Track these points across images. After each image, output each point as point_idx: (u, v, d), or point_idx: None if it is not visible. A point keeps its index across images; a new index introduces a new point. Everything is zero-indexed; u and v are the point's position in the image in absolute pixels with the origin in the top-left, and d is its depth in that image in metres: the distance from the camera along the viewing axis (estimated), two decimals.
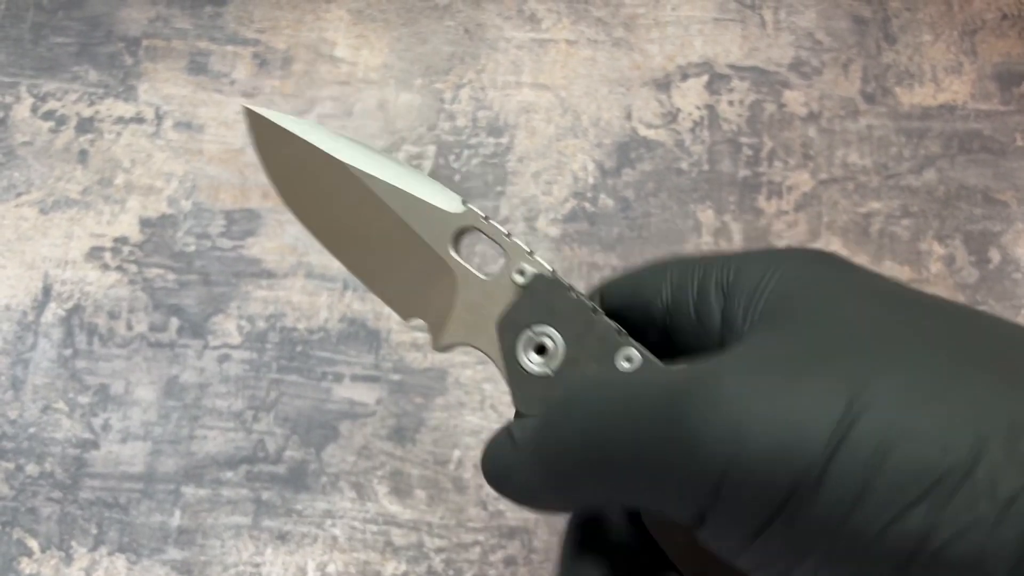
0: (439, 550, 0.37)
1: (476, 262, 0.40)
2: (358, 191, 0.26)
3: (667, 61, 0.43)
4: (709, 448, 0.16)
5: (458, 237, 0.25)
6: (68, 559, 0.37)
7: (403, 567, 0.37)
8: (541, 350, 0.23)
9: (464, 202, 0.25)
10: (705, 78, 0.43)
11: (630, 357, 0.22)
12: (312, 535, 0.37)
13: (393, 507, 0.37)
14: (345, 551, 0.37)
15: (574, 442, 0.20)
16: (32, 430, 0.38)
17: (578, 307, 0.23)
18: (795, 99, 0.43)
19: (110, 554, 0.37)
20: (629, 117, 0.43)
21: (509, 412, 0.38)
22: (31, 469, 0.38)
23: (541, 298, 0.23)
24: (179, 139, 0.42)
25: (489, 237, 0.24)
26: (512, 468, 0.22)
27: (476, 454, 0.38)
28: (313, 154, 0.26)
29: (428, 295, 0.25)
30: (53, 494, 0.37)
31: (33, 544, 0.37)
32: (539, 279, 0.23)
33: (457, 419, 0.39)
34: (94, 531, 0.37)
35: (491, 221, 0.25)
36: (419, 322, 0.26)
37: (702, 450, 0.16)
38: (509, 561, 0.37)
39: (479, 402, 0.39)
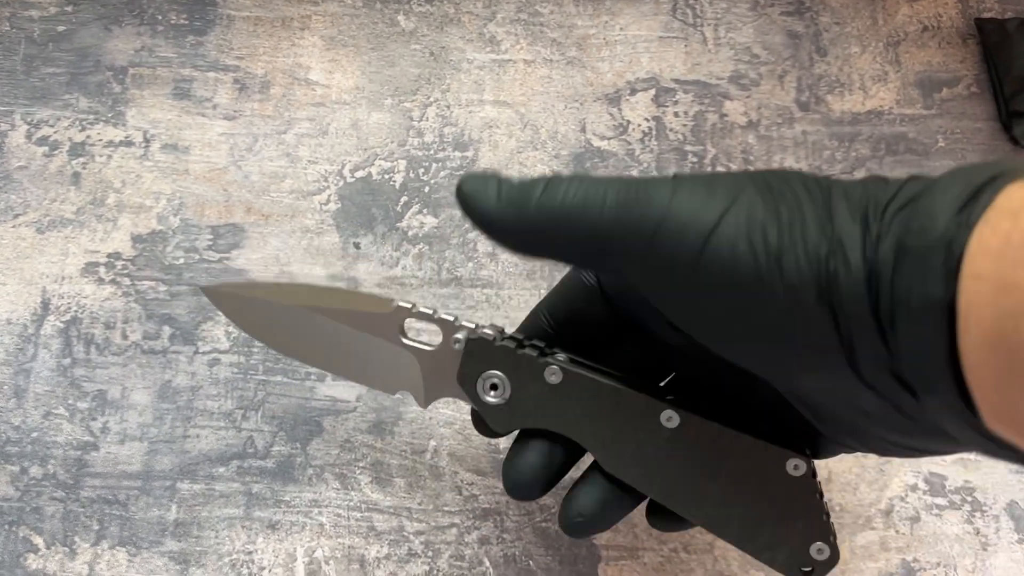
0: (418, 533, 0.40)
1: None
2: (315, 322, 0.34)
3: (617, 77, 0.47)
4: (654, 214, 0.25)
5: (401, 327, 0.33)
6: (72, 554, 0.39)
7: (385, 550, 0.40)
8: (495, 387, 0.32)
9: (392, 301, 0.33)
10: (652, 92, 0.47)
11: (554, 372, 0.31)
12: (300, 523, 0.40)
13: (375, 495, 0.40)
14: (331, 537, 0.40)
15: (554, 211, 0.26)
16: (35, 435, 0.41)
17: (504, 352, 0.31)
18: (735, 109, 0.47)
19: (111, 548, 0.39)
20: (584, 130, 0.46)
21: None
22: (35, 471, 0.40)
23: (478, 354, 0.32)
24: (166, 160, 0.45)
25: (423, 319, 0.32)
26: (491, 215, 0.27)
27: (451, 444, 0.41)
28: (274, 307, 0.34)
29: (400, 373, 0.33)
30: (56, 494, 0.40)
31: (39, 541, 0.39)
32: (471, 342, 0.32)
33: (432, 412, 0.42)
34: (96, 527, 0.40)
35: (418, 307, 0.33)
36: (404, 392, 0.34)
37: (648, 218, 0.25)
38: (483, 541, 0.40)
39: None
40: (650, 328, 0.31)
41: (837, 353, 0.23)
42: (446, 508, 0.40)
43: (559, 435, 0.32)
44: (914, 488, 0.41)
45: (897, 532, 0.40)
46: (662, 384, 0.34)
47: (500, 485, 0.40)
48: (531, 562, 0.39)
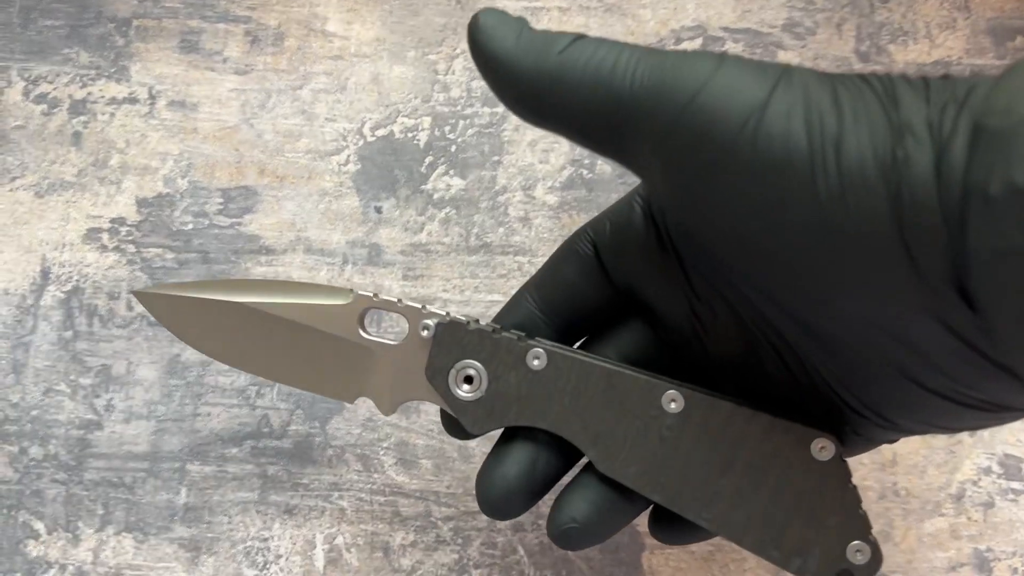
0: (447, 519, 0.37)
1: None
2: (262, 321, 0.30)
3: (660, 26, 0.43)
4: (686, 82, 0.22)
5: (361, 320, 0.29)
6: (75, 540, 0.37)
7: (411, 536, 0.37)
8: (469, 380, 0.28)
9: (351, 291, 0.29)
10: (699, 41, 0.43)
11: (538, 355, 0.27)
12: (319, 508, 0.37)
13: (400, 478, 0.37)
14: (353, 523, 0.37)
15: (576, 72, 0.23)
16: (35, 413, 0.38)
17: (480, 335, 0.28)
18: (790, 59, 0.43)
19: (117, 534, 0.37)
20: None
21: None
22: (35, 452, 0.38)
23: (449, 341, 0.28)
24: (173, 118, 0.42)
25: (385, 310, 0.29)
26: (505, 55, 0.24)
27: None
28: (214, 307, 0.30)
29: (359, 375, 0.30)
30: (58, 476, 0.37)
31: (39, 526, 0.37)
32: (441, 327, 0.28)
33: None
34: (100, 512, 0.37)
35: (380, 296, 0.29)
36: (364, 399, 0.30)
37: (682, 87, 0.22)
38: (517, 527, 0.37)
39: None
40: (652, 304, 0.28)
41: (895, 255, 0.20)
42: None
43: (543, 437, 0.28)
44: (988, 471, 0.37)
45: (969, 519, 0.37)
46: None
47: None
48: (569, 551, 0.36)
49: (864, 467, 0.37)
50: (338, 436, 0.38)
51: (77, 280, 0.40)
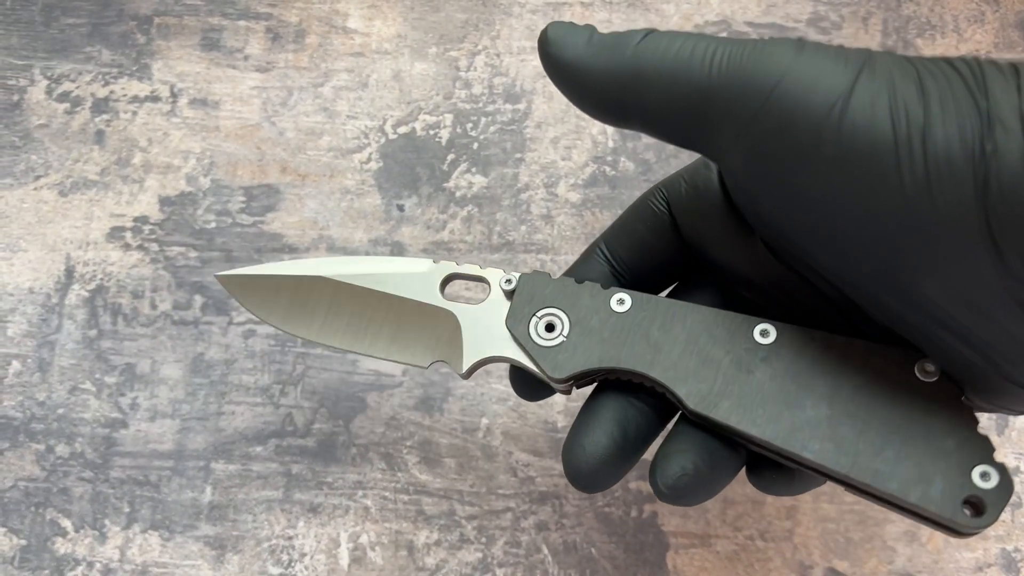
0: (470, 517, 0.37)
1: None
2: (343, 292, 0.30)
3: (684, 20, 0.43)
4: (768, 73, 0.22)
5: (443, 286, 0.30)
6: (102, 538, 0.37)
7: (435, 535, 0.37)
8: (550, 328, 0.28)
9: (434, 261, 0.30)
10: (723, 36, 0.43)
11: (622, 299, 0.27)
12: (344, 507, 0.37)
13: (423, 476, 0.37)
14: (377, 521, 0.37)
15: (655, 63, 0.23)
16: (61, 411, 0.38)
17: (563, 283, 0.28)
18: None
19: (143, 532, 0.37)
20: None
21: None
22: (61, 450, 0.38)
23: (531, 290, 0.28)
24: (195, 116, 0.42)
25: (466, 277, 0.30)
26: (579, 59, 0.24)
27: (504, 421, 0.38)
28: (287, 281, 0.31)
29: (437, 337, 0.30)
30: (84, 474, 0.37)
31: (67, 524, 0.37)
32: (523, 278, 0.28)
33: (484, 387, 0.38)
34: (126, 509, 0.37)
35: (463, 264, 0.30)
36: (439, 363, 0.30)
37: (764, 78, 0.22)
38: (541, 526, 0.37)
39: (505, 369, 0.38)
40: (725, 265, 0.28)
41: (980, 244, 0.20)
42: (500, 491, 0.37)
43: (632, 397, 0.27)
44: (1016, 471, 0.37)
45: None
46: None
47: (558, 466, 0.37)
48: (593, 550, 0.36)
49: None
50: (362, 435, 0.38)
51: (101, 279, 0.40)
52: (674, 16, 0.43)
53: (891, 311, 0.24)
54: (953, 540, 0.36)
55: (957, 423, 0.24)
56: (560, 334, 0.27)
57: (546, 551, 0.37)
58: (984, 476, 0.23)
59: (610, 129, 0.41)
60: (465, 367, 0.29)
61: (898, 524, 0.37)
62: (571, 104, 0.41)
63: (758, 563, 0.36)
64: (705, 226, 0.27)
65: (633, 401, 0.27)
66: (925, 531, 0.36)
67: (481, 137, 0.42)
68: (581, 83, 0.24)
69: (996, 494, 0.23)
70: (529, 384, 0.29)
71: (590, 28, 0.24)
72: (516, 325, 0.28)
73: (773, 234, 0.25)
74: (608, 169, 0.41)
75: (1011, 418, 0.38)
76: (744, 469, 0.28)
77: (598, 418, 0.27)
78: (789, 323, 0.26)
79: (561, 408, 0.38)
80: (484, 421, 0.38)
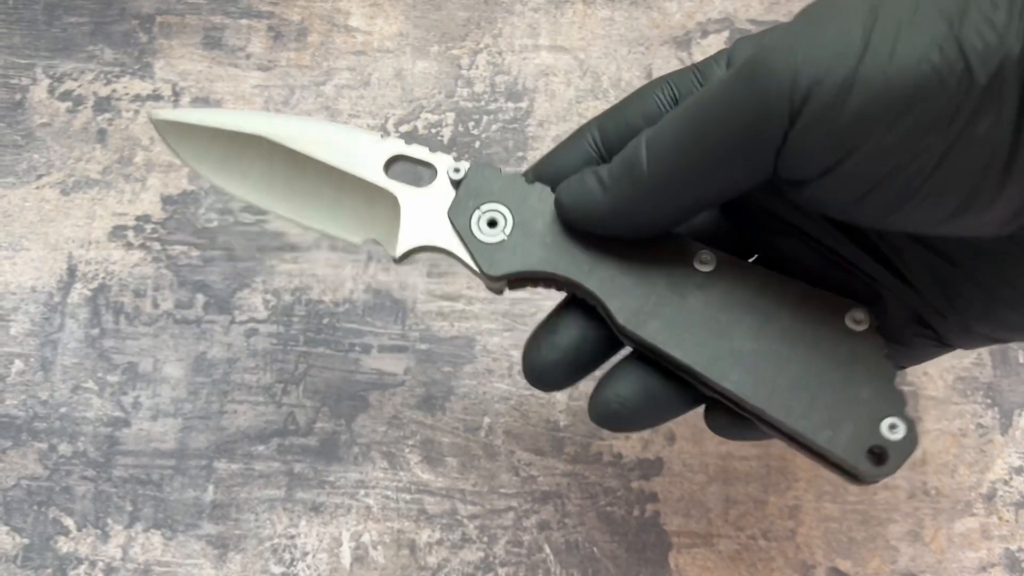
0: (472, 517, 0.37)
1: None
2: (283, 155, 0.29)
3: (686, 18, 0.43)
4: (779, 74, 0.21)
5: (388, 165, 0.28)
6: (104, 536, 0.37)
7: (437, 534, 0.37)
8: (492, 223, 0.27)
9: (382, 135, 0.29)
10: (726, 34, 0.42)
11: None
12: (346, 506, 0.37)
13: (425, 475, 0.37)
14: (379, 520, 0.37)
15: (682, 142, 0.23)
16: (63, 410, 0.38)
17: (512, 181, 0.27)
18: None
19: (146, 530, 0.37)
20: (649, 76, 0.42)
21: None
22: (64, 449, 0.38)
23: (479, 183, 0.27)
24: None
25: (414, 160, 0.28)
26: (606, 208, 0.25)
27: (506, 421, 0.38)
28: (237, 138, 0.29)
29: (373, 218, 0.29)
30: (87, 473, 0.38)
31: (69, 523, 0.37)
32: (473, 169, 0.27)
33: (486, 386, 0.38)
34: (129, 508, 0.37)
35: (412, 145, 0.28)
36: (370, 240, 0.29)
37: (774, 79, 0.21)
38: (543, 526, 0.37)
39: (507, 368, 0.38)
40: (728, 181, 0.26)
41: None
42: (502, 490, 0.37)
43: (594, 315, 0.27)
44: (1019, 470, 0.37)
45: (1000, 519, 0.36)
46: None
47: (561, 465, 0.37)
48: (595, 549, 0.36)
49: None
50: (364, 434, 0.38)
51: (103, 278, 0.40)
52: (676, 14, 0.43)
53: (924, 245, 0.23)
54: (956, 539, 0.36)
55: (876, 375, 0.24)
56: (501, 231, 0.27)
57: (548, 550, 0.36)
58: (892, 428, 0.24)
59: None
60: (399, 251, 0.28)
61: (901, 524, 0.36)
62: (573, 101, 0.41)
63: (760, 563, 0.36)
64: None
65: (595, 323, 0.27)
66: (928, 531, 0.36)
67: (483, 135, 0.41)
68: (625, 222, 0.24)
69: (900, 446, 0.24)
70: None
71: (592, 171, 0.25)
72: (458, 216, 0.27)
73: (812, 204, 0.24)
74: None
75: (1015, 418, 0.37)
76: (704, 408, 0.28)
77: (561, 325, 0.27)
78: (731, 253, 0.26)
79: (563, 407, 0.38)
80: (486, 420, 0.38)
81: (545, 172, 0.28)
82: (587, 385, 0.37)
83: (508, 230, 0.27)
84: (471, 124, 0.42)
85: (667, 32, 0.42)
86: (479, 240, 0.27)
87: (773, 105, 0.21)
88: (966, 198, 0.21)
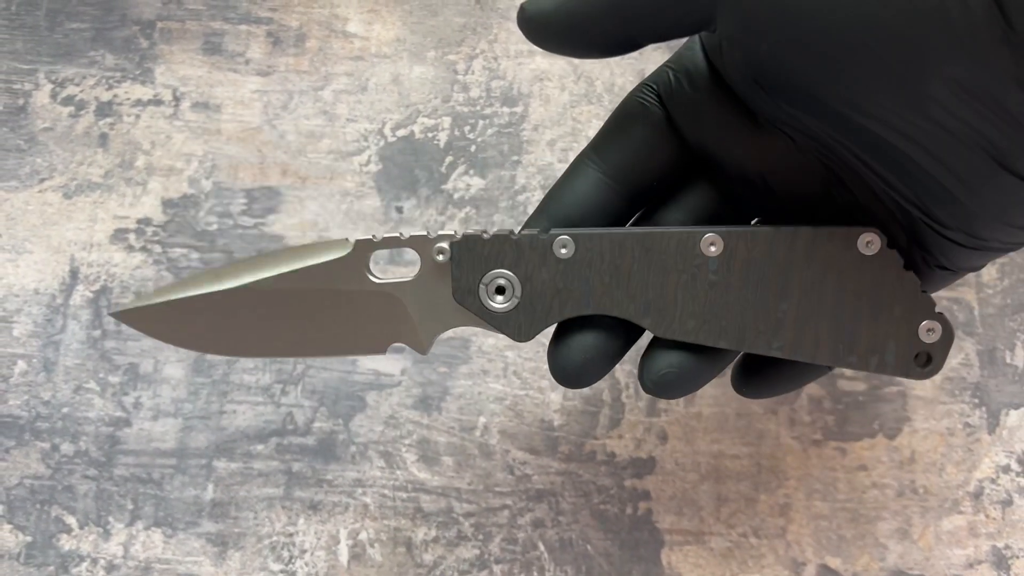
0: (468, 515, 0.37)
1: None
2: (261, 300, 0.28)
3: None
4: None
5: (367, 266, 0.28)
6: (106, 534, 0.37)
7: (433, 532, 0.37)
8: (501, 291, 0.27)
9: (347, 240, 0.28)
10: None
11: (564, 243, 0.26)
12: (343, 504, 0.38)
13: (422, 474, 0.38)
14: (376, 519, 0.37)
15: None
16: (65, 410, 0.39)
17: (499, 241, 0.27)
18: None
19: (146, 528, 0.37)
20: None
21: (532, 379, 0.39)
22: (66, 448, 0.38)
23: (469, 258, 0.27)
24: (197, 120, 0.43)
25: (391, 248, 0.28)
26: (564, 10, 0.25)
27: (501, 420, 0.39)
28: (204, 302, 0.28)
29: (384, 323, 0.28)
30: (89, 472, 0.38)
31: (71, 521, 0.38)
32: (456, 247, 0.27)
33: (481, 386, 0.39)
34: (130, 507, 0.38)
35: (381, 236, 0.27)
36: (397, 345, 0.29)
37: None
38: (537, 524, 0.37)
39: (502, 369, 0.39)
40: (723, 156, 0.27)
41: (989, 22, 0.20)
42: (497, 489, 0.38)
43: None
44: (1006, 469, 0.37)
45: (987, 516, 0.37)
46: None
47: (555, 464, 0.38)
48: (589, 547, 0.37)
49: (883, 465, 0.38)
50: (361, 433, 0.38)
51: (105, 280, 0.41)
52: None
53: (904, 136, 0.23)
54: (944, 537, 0.37)
55: (902, 289, 0.26)
56: (513, 295, 0.27)
57: (542, 548, 0.37)
58: (930, 331, 0.26)
59: None
60: (426, 348, 0.28)
61: (890, 522, 0.37)
62: (567, 106, 0.42)
63: (751, 560, 0.37)
64: (701, 110, 0.27)
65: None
66: (916, 528, 0.37)
67: (479, 140, 0.42)
68: (579, 32, 0.24)
69: (941, 344, 0.26)
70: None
71: None
72: (466, 298, 0.27)
73: (771, 81, 0.24)
74: None
75: (1001, 417, 0.38)
76: (731, 378, 0.30)
77: (588, 326, 0.28)
78: (776, 220, 0.27)
79: (558, 407, 0.39)
80: (482, 420, 0.39)
81: (554, 208, 0.28)
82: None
83: (518, 292, 0.27)
84: (467, 128, 0.42)
85: None
86: (495, 312, 0.27)
87: None
88: (909, 65, 0.21)
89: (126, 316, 0.29)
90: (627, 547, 0.37)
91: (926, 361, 0.26)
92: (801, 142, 0.26)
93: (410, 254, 0.28)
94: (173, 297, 0.28)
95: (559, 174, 0.41)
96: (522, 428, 0.38)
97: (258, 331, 0.28)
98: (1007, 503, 0.37)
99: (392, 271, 0.39)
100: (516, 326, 0.27)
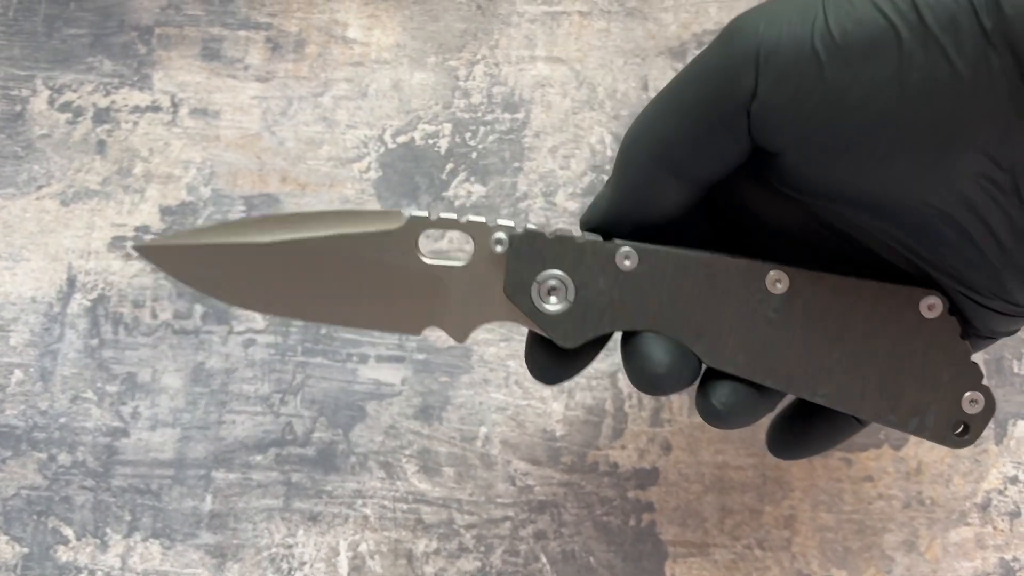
0: (469, 526, 0.37)
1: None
2: (302, 259, 0.26)
3: (682, 29, 0.43)
4: (745, 36, 0.22)
5: (417, 243, 0.26)
6: (104, 546, 0.37)
7: (434, 544, 0.37)
8: (553, 291, 0.26)
9: (401, 213, 0.26)
10: None
11: (627, 255, 0.26)
12: (343, 515, 0.37)
13: (422, 485, 0.38)
14: (376, 530, 0.37)
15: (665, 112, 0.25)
16: (63, 420, 0.39)
17: (561, 242, 0.26)
18: None
19: (144, 540, 0.37)
20: (645, 87, 0.42)
21: (534, 388, 0.38)
22: (63, 458, 0.38)
23: (527, 253, 0.26)
24: (195, 126, 0.42)
25: (445, 229, 0.26)
26: (606, 199, 0.26)
27: (503, 430, 0.38)
28: (235, 251, 0.26)
29: (424, 306, 0.27)
30: (86, 482, 0.38)
31: (69, 532, 0.37)
32: (516, 239, 0.26)
33: (483, 396, 0.38)
34: (128, 518, 0.37)
35: (439, 215, 0.26)
36: (433, 329, 0.27)
37: (740, 41, 0.22)
38: (539, 535, 0.37)
39: (504, 379, 0.39)
40: (740, 201, 0.27)
41: (1005, 96, 0.21)
42: (499, 500, 0.37)
43: None
44: (1014, 480, 0.37)
45: (995, 528, 0.36)
46: None
47: (557, 475, 0.37)
48: (591, 559, 0.37)
49: (889, 476, 0.37)
50: (361, 443, 0.38)
51: (103, 288, 0.40)
52: (672, 25, 0.43)
53: (919, 221, 0.24)
54: (951, 549, 0.36)
55: (953, 355, 0.25)
56: (565, 299, 0.26)
57: (544, 560, 0.37)
58: (973, 402, 0.26)
59: (608, 138, 0.41)
60: (464, 337, 0.27)
61: (896, 533, 0.37)
62: (569, 112, 0.42)
63: (756, 572, 0.36)
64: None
65: None
66: (923, 540, 0.36)
67: (480, 146, 0.42)
68: (643, 208, 0.26)
69: (982, 416, 0.26)
70: (543, 356, 0.28)
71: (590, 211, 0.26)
72: (516, 294, 0.26)
73: (808, 187, 0.25)
74: (606, 178, 0.41)
75: (1009, 427, 0.38)
76: (767, 440, 0.30)
77: (651, 339, 0.27)
78: (798, 266, 0.27)
79: (560, 417, 0.38)
80: (483, 430, 0.38)
81: (594, 216, 0.28)
82: (583, 395, 0.38)
83: (571, 296, 0.26)
84: (468, 135, 0.42)
85: (663, 43, 0.43)
86: (544, 313, 0.26)
87: (740, 64, 0.22)
88: (935, 148, 0.22)
89: (150, 251, 0.27)
90: (630, 559, 0.37)
91: (963, 431, 0.26)
92: (823, 216, 0.26)
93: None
94: (206, 241, 0.26)
95: (560, 182, 0.41)
96: (524, 438, 0.38)
97: (289, 290, 0.27)
98: (1015, 515, 0.37)
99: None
100: (564, 330, 0.26)
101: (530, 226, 0.26)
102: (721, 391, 0.27)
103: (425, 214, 0.26)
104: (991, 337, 0.27)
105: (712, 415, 0.27)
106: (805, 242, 0.27)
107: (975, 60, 0.21)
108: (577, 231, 0.27)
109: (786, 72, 0.22)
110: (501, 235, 0.26)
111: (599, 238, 0.26)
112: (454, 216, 0.26)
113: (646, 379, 0.26)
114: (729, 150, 0.24)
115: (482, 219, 0.26)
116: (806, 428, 0.29)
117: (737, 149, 0.24)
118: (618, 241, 0.26)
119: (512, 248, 0.26)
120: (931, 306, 0.25)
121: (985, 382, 0.26)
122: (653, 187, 0.25)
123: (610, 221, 0.27)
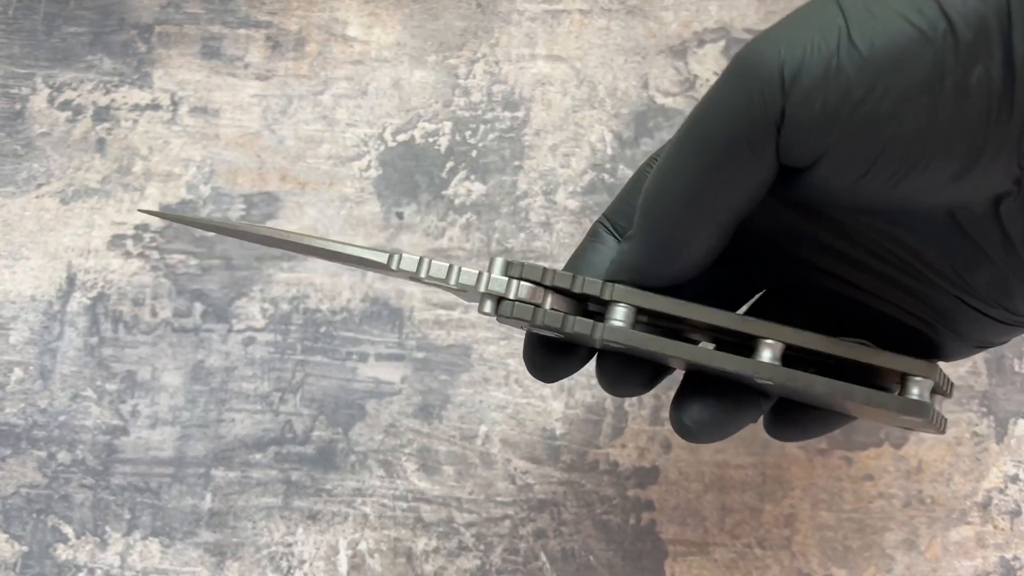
0: (469, 525, 0.37)
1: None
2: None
3: (683, 28, 0.43)
4: (766, 62, 0.22)
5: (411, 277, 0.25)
6: (103, 544, 0.37)
7: (434, 543, 0.37)
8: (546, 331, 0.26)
9: (391, 256, 0.25)
10: (722, 43, 0.43)
11: (615, 342, 0.25)
12: (343, 514, 0.37)
13: (422, 484, 0.38)
14: (376, 528, 0.37)
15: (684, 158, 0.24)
16: (62, 418, 0.39)
17: (551, 317, 0.25)
18: None
19: (144, 538, 0.37)
20: (646, 86, 0.42)
21: (534, 387, 0.38)
22: (63, 457, 0.38)
23: (514, 320, 0.25)
24: (195, 124, 0.42)
25: (433, 285, 0.25)
26: (637, 257, 0.25)
27: (503, 429, 0.38)
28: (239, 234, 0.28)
29: None
30: (85, 481, 0.38)
31: (68, 530, 0.37)
32: (503, 319, 0.25)
33: (483, 395, 0.38)
34: (127, 516, 0.37)
35: (431, 267, 0.25)
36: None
37: (761, 68, 0.22)
38: (539, 534, 0.37)
39: (504, 377, 0.39)
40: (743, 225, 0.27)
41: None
42: (499, 498, 0.37)
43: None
44: (1015, 479, 0.37)
45: (995, 527, 0.36)
46: (750, 303, 0.30)
47: (557, 474, 0.37)
48: (591, 557, 0.36)
49: (889, 475, 0.37)
50: (360, 442, 0.38)
51: (102, 286, 0.40)
52: (672, 24, 0.43)
53: (950, 221, 0.24)
54: (952, 548, 0.36)
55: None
56: (559, 334, 0.26)
57: (544, 559, 0.37)
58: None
59: (608, 136, 0.41)
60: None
61: (897, 532, 0.37)
62: (569, 111, 0.42)
63: (756, 571, 0.36)
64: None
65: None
66: (924, 539, 0.36)
67: (480, 145, 0.42)
68: (678, 263, 0.25)
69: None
70: (544, 358, 0.28)
71: (625, 239, 0.26)
72: (506, 322, 0.26)
73: (822, 194, 0.24)
74: (607, 176, 0.41)
75: (1009, 426, 0.37)
76: (764, 421, 0.30)
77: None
78: (790, 310, 0.27)
79: (560, 416, 0.38)
80: (483, 428, 0.38)
81: (622, 275, 0.27)
82: (583, 394, 0.38)
83: (564, 333, 0.26)
84: (468, 133, 0.42)
85: (663, 42, 0.43)
86: (539, 335, 0.28)
87: (765, 90, 0.22)
88: (967, 155, 0.21)
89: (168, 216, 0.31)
90: (630, 558, 0.37)
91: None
92: (824, 237, 0.26)
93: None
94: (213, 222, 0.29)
95: (561, 180, 0.41)
96: (524, 437, 0.38)
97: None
98: (1015, 513, 0.37)
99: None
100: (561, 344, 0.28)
101: (521, 302, 0.25)
102: (691, 408, 0.27)
103: (412, 270, 0.25)
104: (982, 347, 0.27)
105: (683, 431, 0.28)
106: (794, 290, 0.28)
107: (1004, 65, 0.20)
108: (566, 291, 0.26)
109: (814, 90, 0.21)
110: (487, 309, 0.25)
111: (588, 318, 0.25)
112: (442, 277, 0.25)
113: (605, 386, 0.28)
114: (759, 178, 0.23)
115: (470, 281, 0.25)
116: (802, 409, 0.29)
117: (767, 175, 0.24)
118: (607, 339, 0.25)
119: (500, 317, 0.25)
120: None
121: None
122: (686, 237, 0.25)
123: (640, 282, 0.26)
